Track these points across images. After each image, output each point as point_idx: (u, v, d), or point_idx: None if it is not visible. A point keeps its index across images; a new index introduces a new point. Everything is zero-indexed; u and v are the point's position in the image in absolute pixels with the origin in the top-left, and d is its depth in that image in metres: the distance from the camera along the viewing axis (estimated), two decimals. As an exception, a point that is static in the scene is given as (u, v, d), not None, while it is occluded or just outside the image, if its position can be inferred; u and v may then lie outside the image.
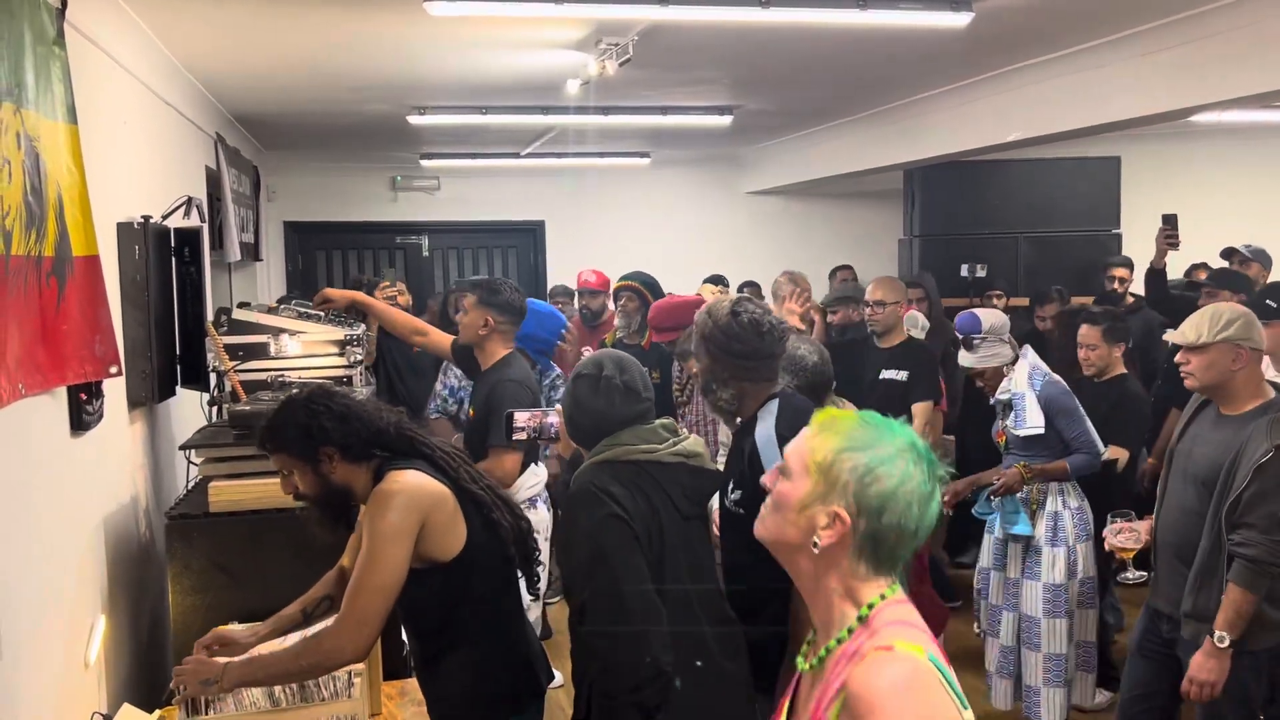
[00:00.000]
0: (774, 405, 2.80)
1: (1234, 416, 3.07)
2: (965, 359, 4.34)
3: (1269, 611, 2.93)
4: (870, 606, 1.47)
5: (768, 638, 2.63)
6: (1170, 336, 3.21)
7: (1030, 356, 4.23)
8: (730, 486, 2.83)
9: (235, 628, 2.68)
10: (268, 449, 2.48)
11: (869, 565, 1.48)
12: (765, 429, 2.74)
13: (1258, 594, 2.87)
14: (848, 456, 1.47)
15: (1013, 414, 4.13)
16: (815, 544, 1.47)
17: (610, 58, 4.46)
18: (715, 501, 3.76)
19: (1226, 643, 2.87)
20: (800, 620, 2.54)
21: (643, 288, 5.30)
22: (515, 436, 3.16)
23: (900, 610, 1.47)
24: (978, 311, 4.40)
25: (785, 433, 2.66)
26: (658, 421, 2.56)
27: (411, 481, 2.41)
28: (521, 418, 3.36)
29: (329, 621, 2.46)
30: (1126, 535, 3.25)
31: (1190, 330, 3.09)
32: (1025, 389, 4.10)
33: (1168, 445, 3.32)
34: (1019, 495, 4.11)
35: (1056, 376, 4.22)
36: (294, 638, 2.61)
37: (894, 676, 1.38)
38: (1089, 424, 4.12)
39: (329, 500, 2.47)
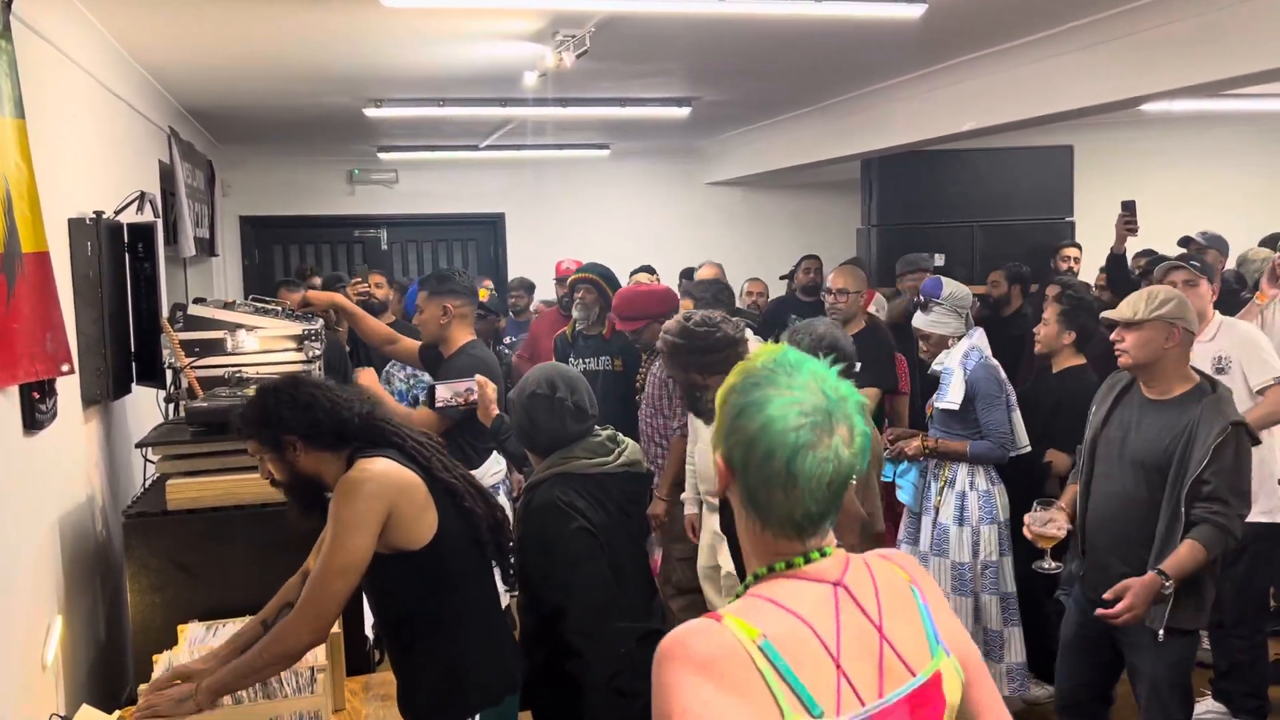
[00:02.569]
0: None
1: (1167, 401, 3.11)
2: (918, 319, 4.40)
3: (1208, 594, 3.05)
4: (757, 576, 1.34)
5: None
6: (1107, 314, 3.25)
7: (976, 338, 4.26)
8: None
9: (192, 661, 2.62)
10: (240, 436, 2.53)
11: (760, 520, 1.33)
12: None
13: (1211, 556, 2.97)
14: (731, 397, 1.34)
15: (938, 387, 4.23)
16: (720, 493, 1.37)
17: (567, 49, 4.45)
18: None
19: (1171, 589, 2.94)
20: None
21: (600, 279, 5.30)
22: (438, 406, 3.40)
23: (785, 586, 1.31)
24: (944, 279, 4.47)
25: None
26: (604, 434, 2.78)
27: (379, 470, 2.39)
28: (443, 394, 3.50)
29: None
30: (1053, 524, 3.24)
31: (1126, 307, 3.15)
32: (955, 366, 4.16)
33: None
34: (919, 467, 4.23)
35: (995, 363, 4.24)
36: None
37: (683, 645, 1.25)
38: (1011, 415, 4.13)
39: (298, 488, 2.48)
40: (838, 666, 1.27)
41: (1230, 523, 2.95)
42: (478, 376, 3.47)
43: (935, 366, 4.29)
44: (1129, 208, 5.42)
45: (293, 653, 2.36)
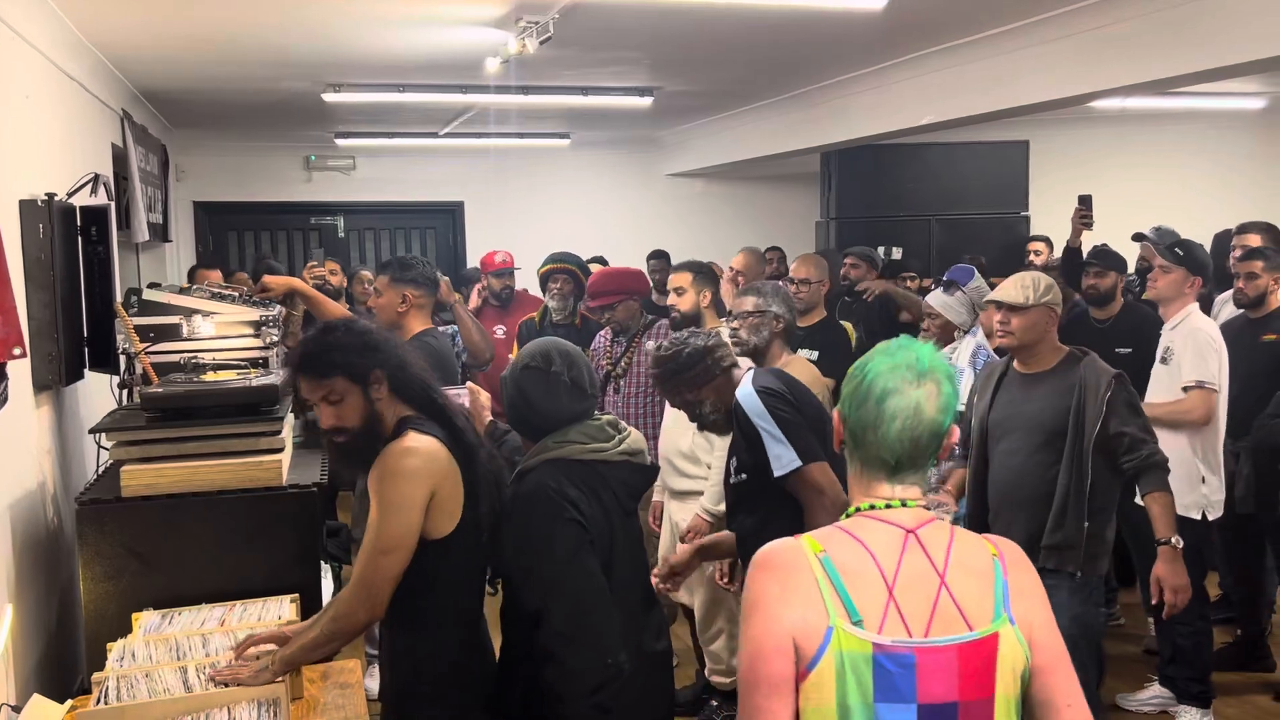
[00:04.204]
0: (747, 376, 2.97)
1: (1045, 372, 3.33)
2: (935, 298, 4.47)
3: (1109, 538, 3.24)
4: (848, 515, 1.57)
5: None
6: (994, 296, 3.43)
7: (979, 336, 4.35)
8: (732, 465, 3.00)
9: (283, 625, 2.61)
10: (322, 374, 2.40)
11: (860, 460, 1.59)
12: (744, 389, 2.90)
13: (1170, 493, 3.21)
14: (854, 368, 1.62)
15: None
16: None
17: (530, 35, 4.43)
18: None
19: (1181, 543, 3.18)
20: None
21: (577, 269, 5.34)
22: None
23: (861, 523, 1.54)
24: (975, 271, 4.62)
25: (764, 383, 2.87)
26: (604, 418, 2.56)
27: (428, 447, 2.39)
28: None
29: None
30: (941, 509, 3.37)
31: (1018, 293, 3.33)
32: (965, 365, 4.23)
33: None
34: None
35: (998, 359, 4.33)
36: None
37: (765, 552, 1.54)
38: None
39: (369, 430, 2.42)
40: (890, 593, 1.47)
41: (1159, 456, 3.20)
42: (469, 384, 3.25)
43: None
44: (1085, 202, 5.50)
45: (352, 630, 2.41)
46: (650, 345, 4.61)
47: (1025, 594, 1.53)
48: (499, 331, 5.86)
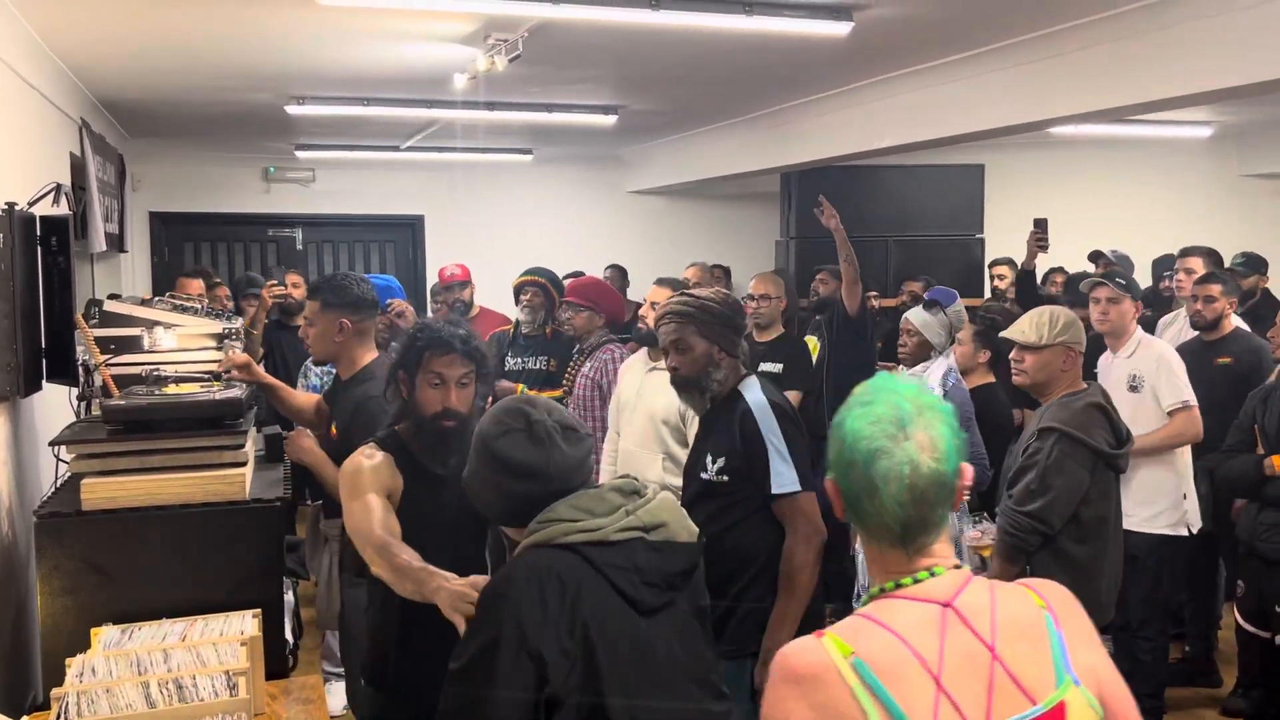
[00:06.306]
0: (753, 380, 3.05)
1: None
2: (916, 314, 4.41)
3: (1098, 595, 3.12)
4: (871, 596, 1.39)
5: (744, 608, 2.90)
6: (1008, 334, 3.33)
7: (950, 359, 4.35)
8: (710, 459, 3.01)
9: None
10: (478, 359, 2.73)
11: (865, 532, 1.40)
12: (756, 396, 2.97)
13: (1017, 565, 3.02)
14: (833, 425, 1.43)
15: None
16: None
17: (499, 53, 4.45)
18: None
19: None
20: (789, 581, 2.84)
21: (548, 282, 5.39)
22: None
23: (889, 606, 1.35)
24: (958, 295, 4.68)
25: (775, 399, 2.96)
26: (617, 480, 1.98)
27: None
28: None
29: None
30: (988, 536, 3.37)
31: (1031, 330, 3.23)
32: (937, 385, 4.20)
33: None
34: None
35: (964, 385, 4.34)
36: None
37: (784, 659, 1.34)
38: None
39: (470, 419, 2.69)
40: (938, 684, 1.28)
41: (1006, 523, 3.07)
42: None
43: (911, 375, 4.32)
44: (1041, 225, 5.60)
45: None
46: (587, 369, 4.67)
47: (1083, 642, 1.37)
48: None
